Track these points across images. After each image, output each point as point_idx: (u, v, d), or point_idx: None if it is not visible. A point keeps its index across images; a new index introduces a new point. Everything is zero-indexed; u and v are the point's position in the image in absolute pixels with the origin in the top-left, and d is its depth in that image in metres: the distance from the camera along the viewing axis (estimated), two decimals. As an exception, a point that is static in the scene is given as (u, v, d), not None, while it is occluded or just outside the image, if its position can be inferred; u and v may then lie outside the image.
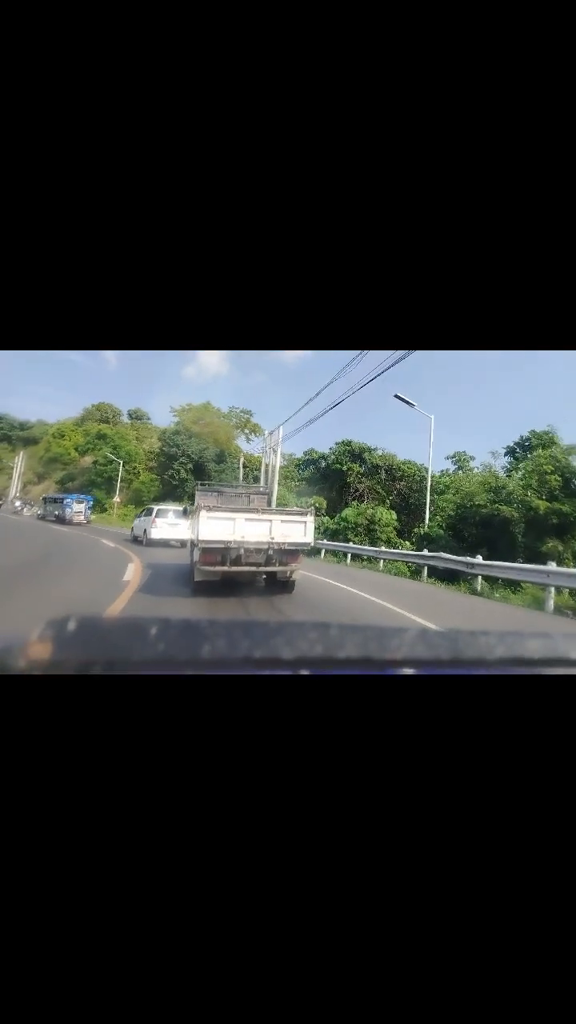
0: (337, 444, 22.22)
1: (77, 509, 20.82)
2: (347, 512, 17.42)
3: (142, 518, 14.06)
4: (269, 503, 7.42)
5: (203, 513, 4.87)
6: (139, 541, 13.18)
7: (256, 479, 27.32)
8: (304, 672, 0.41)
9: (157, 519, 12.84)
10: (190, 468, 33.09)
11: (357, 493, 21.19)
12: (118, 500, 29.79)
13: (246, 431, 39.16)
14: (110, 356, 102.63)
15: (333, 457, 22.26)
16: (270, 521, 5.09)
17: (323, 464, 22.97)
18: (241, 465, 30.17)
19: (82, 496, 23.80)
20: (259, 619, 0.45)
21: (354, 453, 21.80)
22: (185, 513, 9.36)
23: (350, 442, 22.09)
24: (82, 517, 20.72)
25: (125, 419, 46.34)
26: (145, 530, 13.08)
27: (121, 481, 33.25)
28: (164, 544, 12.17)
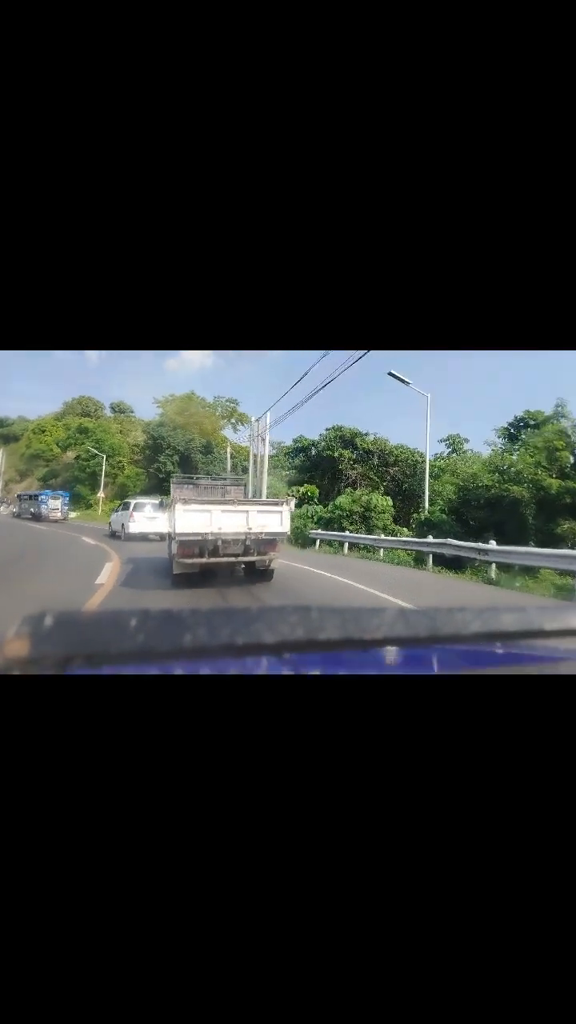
0: (327, 430, 21.25)
1: (53, 506, 20.61)
2: (341, 499, 16.52)
3: (119, 512, 13.63)
4: (246, 494, 7.21)
5: (179, 506, 4.82)
6: (117, 536, 12.75)
7: (245, 469, 26.43)
8: (288, 660, 0.42)
9: (135, 513, 12.42)
10: (176, 460, 31.87)
11: (350, 480, 20.31)
12: (102, 495, 28.49)
13: (232, 421, 37.94)
14: (91, 351, 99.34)
15: (324, 444, 21.29)
16: (246, 512, 5.03)
17: (313, 451, 21.99)
18: (229, 456, 29.13)
19: (58, 492, 23.44)
20: (240, 606, 0.42)
21: (345, 439, 20.87)
22: (162, 506, 9.42)
23: (340, 428, 21.14)
24: (59, 514, 20.45)
25: (108, 413, 44.78)
26: (123, 524, 12.64)
27: (106, 476, 31.94)
28: (143, 538, 11.56)
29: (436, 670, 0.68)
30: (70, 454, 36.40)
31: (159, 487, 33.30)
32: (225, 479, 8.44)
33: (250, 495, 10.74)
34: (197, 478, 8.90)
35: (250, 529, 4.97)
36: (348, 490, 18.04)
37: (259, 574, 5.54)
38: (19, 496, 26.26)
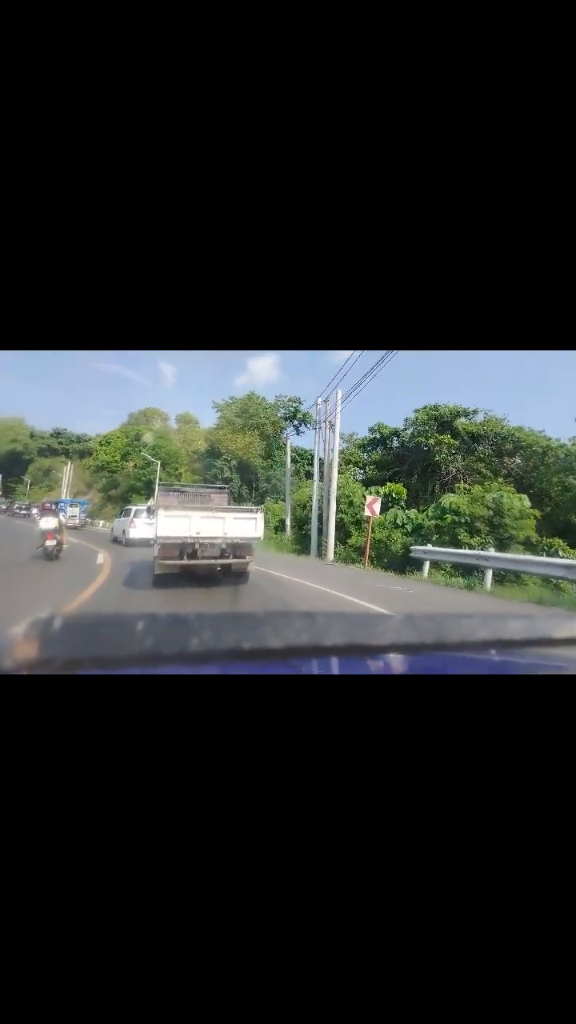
0: (417, 411, 15.57)
1: (71, 513, 21.57)
2: (453, 500, 10.83)
3: (121, 519, 13.39)
4: (230, 501, 7.49)
5: (161, 512, 5.13)
6: (119, 542, 12.49)
7: (308, 474, 21.65)
8: (293, 663, 0.43)
9: (135, 519, 12.07)
10: (234, 465, 27.95)
11: (449, 475, 14.41)
12: (152, 504, 25.27)
13: (295, 422, 33.36)
14: (168, 371, 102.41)
15: (413, 430, 15.63)
16: (223, 518, 5.25)
17: (396, 442, 16.43)
18: (289, 459, 24.76)
19: (76, 501, 24.99)
20: (246, 611, 0.42)
21: (443, 421, 15.06)
22: (143, 513, 9.69)
23: (437, 407, 15.38)
24: (76, 520, 21.34)
25: (172, 423, 42.76)
26: (124, 530, 12.32)
27: (162, 483, 28.96)
28: (144, 544, 10.33)
29: (437, 671, 0.64)
30: (131, 463, 34.18)
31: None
32: (210, 487, 8.44)
33: (315, 501, 10.93)
34: (184, 486, 8.90)
35: (226, 534, 5.19)
36: (462, 487, 12.15)
37: (235, 576, 5.74)
38: (42, 504, 26.12)
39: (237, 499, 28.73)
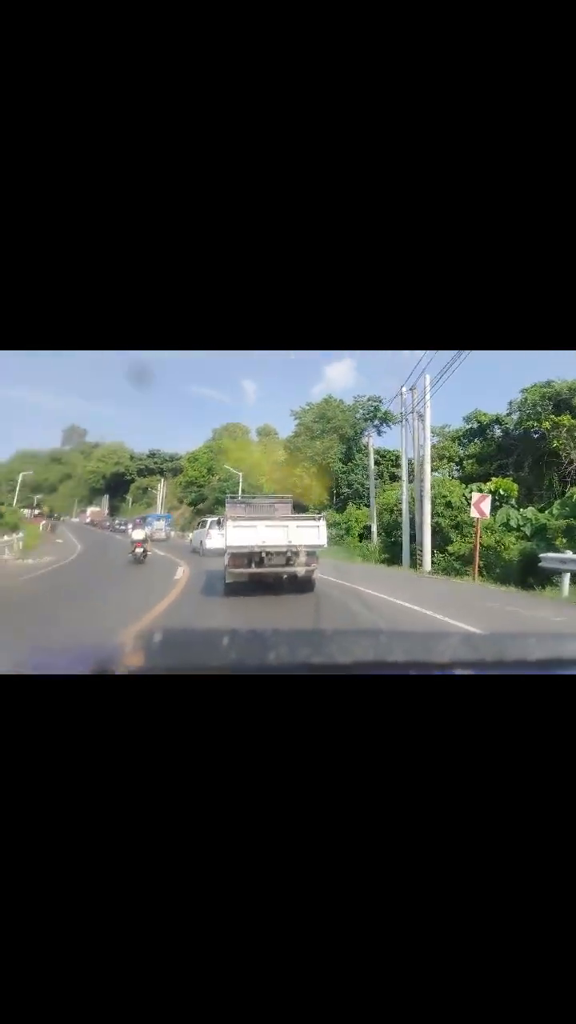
0: (525, 391, 13.03)
1: (158, 527, 23.24)
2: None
3: (199, 531, 13.52)
4: (293, 510, 7.45)
5: (230, 523, 5.49)
6: (197, 552, 12.67)
7: (393, 477, 19.90)
8: (296, 664, 0.43)
9: (211, 531, 11.96)
10: (314, 472, 27.05)
11: (573, 465, 11.71)
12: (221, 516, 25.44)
13: (375, 422, 31.46)
14: (249, 388, 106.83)
15: (520, 414, 13.13)
16: (286, 527, 5.46)
17: (499, 430, 13.98)
18: (372, 461, 23.12)
19: (162, 515, 27.03)
20: (317, 628, 0.46)
21: (559, 400, 12.36)
22: (217, 524, 10.10)
23: (551, 384, 12.72)
24: (162, 534, 22.88)
25: (253, 436, 43.59)
26: (201, 542, 12.43)
27: (244, 494, 29.16)
28: (220, 554, 10.70)
29: (438, 671, 0.66)
30: (215, 478, 35.29)
31: (297, 504, 29.18)
32: (273, 497, 8.37)
33: (405, 504, 10.74)
34: (250, 497, 9.12)
35: (290, 542, 5.38)
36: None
37: (301, 584, 5.69)
38: (134, 520, 31.48)
39: (318, 506, 27.96)
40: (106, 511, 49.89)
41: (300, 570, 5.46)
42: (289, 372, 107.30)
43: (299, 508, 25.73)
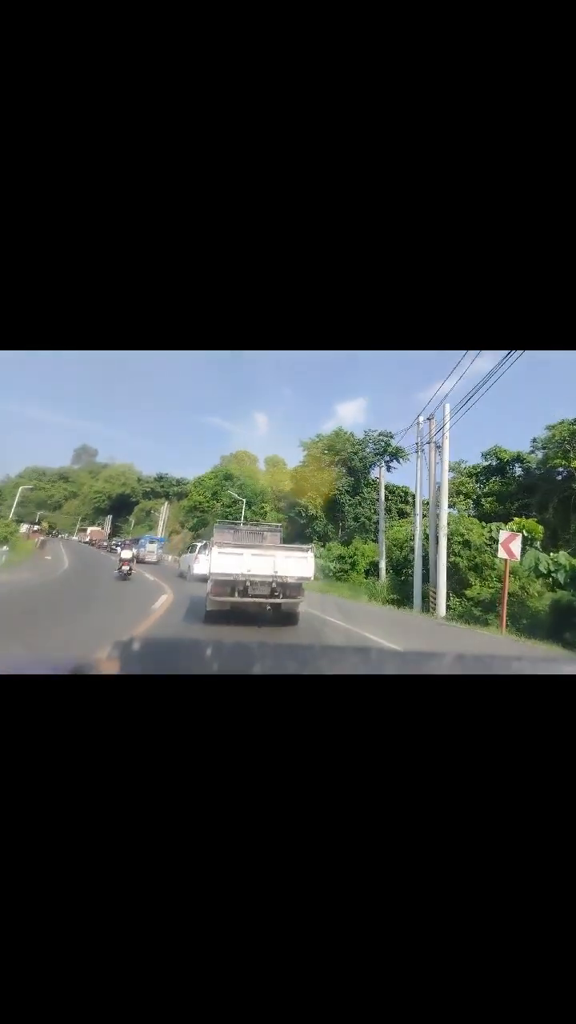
0: (551, 428, 12.21)
1: (149, 549, 22.68)
2: None
3: (187, 555, 13.17)
4: (282, 540, 6.98)
5: (215, 549, 5.19)
6: (183, 576, 12.37)
7: (402, 513, 19.00)
8: (295, 664, 0.46)
9: (199, 555, 11.29)
10: (320, 503, 26.17)
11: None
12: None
13: (386, 458, 30.87)
14: (261, 421, 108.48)
15: (545, 452, 12.24)
16: (274, 556, 5.19)
17: (519, 468, 13.05)
18: (383, 496, 22.30)
19: (154, 538, 26.31)
20: (302, 643, 0.48)
21: (589, 438, 11.55)
22: (205, 549, 8.87)
23: (578, 420, 11.91)
24: (154, 556, 22.29)
25: (261, 466, 43.18)
26: (189, 566, 12.04)
27: (248, 522, 28.21)
28: (204, 579, 9.61)
29: (437, 671, 0.66)
30: (219, 503, 34.48)
31: (300, 533, 28.18)
32: (265, 525, 7.84)
33: (418, 540, 9.89)
34: (238, 524, 8.57)
35: (276, 572, 5.10)
36: None
37: (284, 617, 5.48)
38: (124, 541, 32.05)
39: (322, 538, 26.86)
40: (107, 531, 49.12)
41: (284, 602, 5.26)
42: (302, 406, 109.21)
43: (301, 538, 24.83)
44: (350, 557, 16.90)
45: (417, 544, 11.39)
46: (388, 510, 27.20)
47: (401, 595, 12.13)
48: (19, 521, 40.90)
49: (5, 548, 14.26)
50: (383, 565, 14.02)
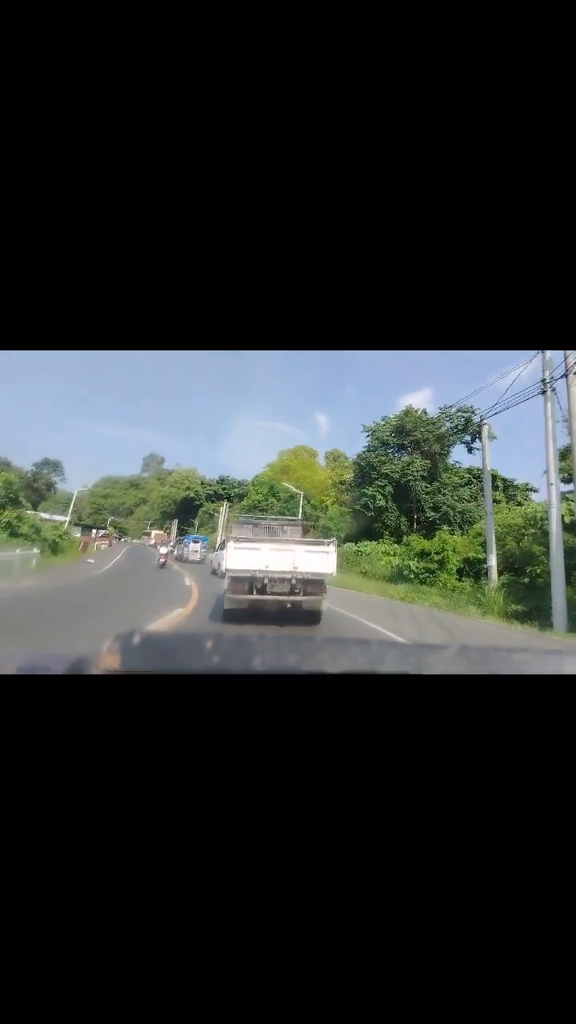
0: None
1: (193, 548, 22.29)
2: None
3: (217, 552, 12.03)
4: (304, 534, 6.71)
5: (231, 544, 4.95)
6: (216, 573, 11.71)
7: (493, 500, 14.61)
8: (294, 662, 0.44)
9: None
10: (390, 492, 22.19)
11: None
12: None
13: (466, 437, 25.86)
14: (321, 421, 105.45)
15: None
16: (293, 551, 4.88)
17: None
18: (488, 467, 17.90)
19: (197, 537, 25.89)
20: (300, 636, 0.47)
21: None
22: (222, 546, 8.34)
23: None
24: (197, 556, 21.83)
25: (321, 461, 39.96)
26: (219, 563, 10.26)
27: (306, 519, 25.09)
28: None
29: (437, 670, 0.67)
30: (278, 501, 31.80)
31: (368, 528, 24.40)
32: (285, 519, 7.66)
33: (555, 525, 7.24)
34: (257, 518, 8.08)
35: (295, 568, 4.79)
36: None
37: (306, 616, 5.09)
38: (164, 540, 30.49)
39: (394, 532, 22.92)
40: (173, 534, 49.22)
41: (305, 600, 4.87)
42: (363, 403, 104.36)
43: (369, 534, 21.12)
44: (437, 553, 12.93)
45: (554, 529, 7.36)
46: (473, 497, 22.48)
47: (528, 606, 8.12)
48: (79, 525, 42.10)
49: (35, 551, 12.61)
50: (493, 562, 10.00)
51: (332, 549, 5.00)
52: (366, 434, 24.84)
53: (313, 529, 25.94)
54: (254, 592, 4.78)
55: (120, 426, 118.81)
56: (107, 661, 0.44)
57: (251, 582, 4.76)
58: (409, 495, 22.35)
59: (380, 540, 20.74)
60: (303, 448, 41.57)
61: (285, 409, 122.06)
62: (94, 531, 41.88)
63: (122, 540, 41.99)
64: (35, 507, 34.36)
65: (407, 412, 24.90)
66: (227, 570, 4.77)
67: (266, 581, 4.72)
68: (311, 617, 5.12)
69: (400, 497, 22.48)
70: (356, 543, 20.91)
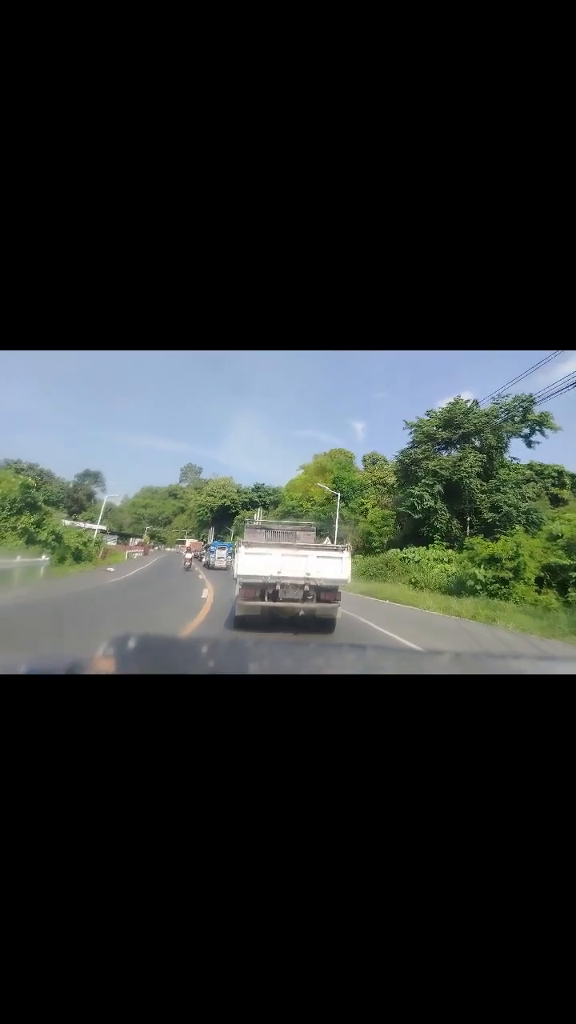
0: None
1: (219, 555, 21.75)
2: None
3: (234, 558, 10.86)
4: (317, 539, 6.55)
5: (242, 549, 4.74)
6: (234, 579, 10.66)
7: (557, 500, 12.07)
8: (294, 662, 0.45)
9: None
10: (439, 492, 19.47)
11: None
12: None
13: (525, 431, 22.57)
14: (358, 428, 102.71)
15: None
16: (306, 556, 4.69)
17: None
18: (524, 477, 15.00)
19: (223, 543, 25.45)
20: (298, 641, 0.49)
21: None
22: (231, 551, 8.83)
23: None
24: (223, 562, 20.95)
25: (359, 464, 37.56)
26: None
27: (344, 523, 22.79)
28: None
29: (437, 670, 0.65)
30: (312, 506, 29.69)
31: (414, 533, 21.70)
32: (299, 525, 7.18)
33: None
34: (271, 523, 7.42)
35: (308, 574, 4.61)
36: None
37: (319, 623, 4.96)
38: (188, 546, 30.12)
39: (446, 536, 20.12)
40: (211, 541, 48.57)
41: (319, 607, 4.70)
42: (397, 407, 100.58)
43: (415, 539, 18.52)
44: (510, 559, 10.26)
45: None
46: (536, 495, 19.32)
47: None
48: (114, 534, 42.11)
49: (44, 559, 11.35)
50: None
51: (346, 555, 4.80)
52: (408, 431, 22.25)
53: (351, 534, 23.56)
54: (266, 599, 4.57)
55: (159, 438, 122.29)
56: (105, 663, 0.45)
57: (263, 588, 4.56)
58: (462, 494, 19.50)
59: (430, 545, 18.02)
60: (339, 451, 39.35)
61: (317, 416, 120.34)
62: (132, 540, 41.87)
63: (157, 548, 41.63)
64: (74, 516, 34.38)
65: (456, 403, 22.08)
66: (238, 576, 4.59)
67: (278, 587, 4.53)
68: (325, 624, 4.95)
69: (451, 497, 19.68)
70: (401, 549, 18.34)
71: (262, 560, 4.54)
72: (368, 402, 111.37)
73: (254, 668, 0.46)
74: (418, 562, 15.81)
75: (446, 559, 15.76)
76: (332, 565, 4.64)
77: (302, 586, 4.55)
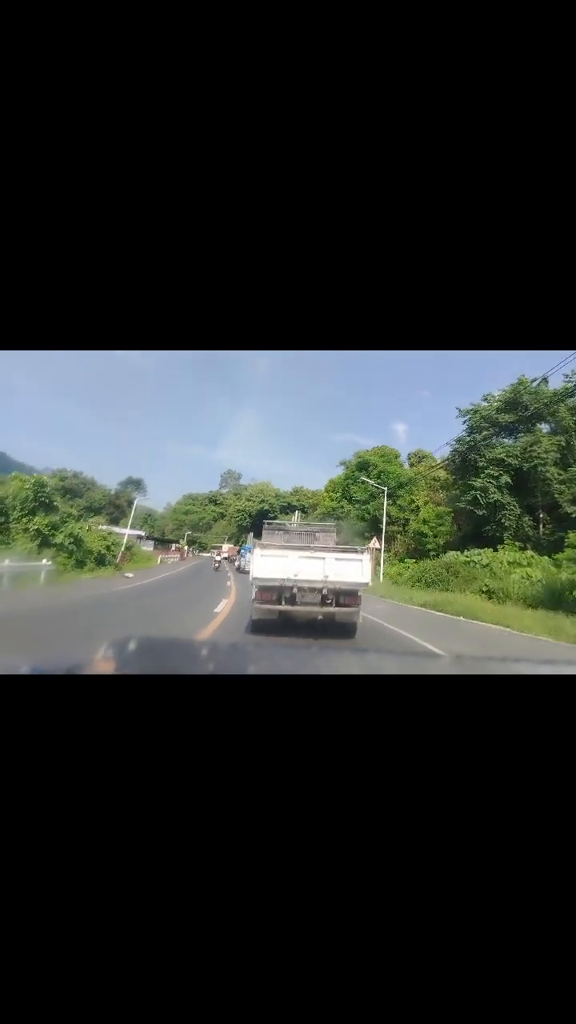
0: None
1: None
2: None
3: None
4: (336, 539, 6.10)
5: (257, 551, 4.66)
6: None
7: None
8: (294, 663, 0.46)
9: None
10: (506, 483, 16.20)
11: None
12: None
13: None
14: (399, 430, 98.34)
15: None
16: (323, 559, 4.52)
17: None
18: None
19: (251, 547, 21.20)
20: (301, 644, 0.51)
21: None
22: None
23: None
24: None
25: (404, 461, 34.31)
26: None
27: (392, 522, 19.96)
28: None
29: (437, 670, 0.62)
30: (354, 506, 26.93)
31: (476, 533, 18.43)
32: (317, 525, 6.91)
33: None
34: (289, 524, 7.46)
35: (326, 577, 4.41)
36: None
37: (339, 628, 4.71)
38: (217, 548, 29.86)
39: (517, 535, 16.76)
40: (247, 544, 47.13)
41: (338, 611, 4.51)
42: (441, 406, 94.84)
43: (476, 539, 15.11)
44: None
45: None
46: None
47: None
48: (152, 539, 41.48)
49: (46, 563, 9.79)
50: None
51: (366, 557, 4.62)
52: (463, 419, 19.07)
53: (401, 536, 20.63)
54: (283, 602, 4.43)
55: (200, 446, 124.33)
56: (105, 664, 0.45)
57: (280, 592, 4.41)
58: (534, 486, 16.11)
59: (500, 546, 14.79)
60: (382, 448, 36.31)
61: (356, 418, 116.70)
62: (172, 546, 41.31)
63: (194, 553, 40.67)
64: (115, 522, 33.89)
65: (520, 383, 18.64)
66: (254, 579, 4.46)
67: (295, 591, 4.38)
68: (345, 630, 4.67)
69: (520, 489, 16.34)
70: (463, 551, 15.26)
71: (278, 562, 4.38)
72: (408, 401, 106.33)
73: (254, 668, 0.45)
74: (487, 566, 12.73)
75: (524, 562, 12.56)
76: (351, 568, 4.46)
77: (320, 589, 4.40)
